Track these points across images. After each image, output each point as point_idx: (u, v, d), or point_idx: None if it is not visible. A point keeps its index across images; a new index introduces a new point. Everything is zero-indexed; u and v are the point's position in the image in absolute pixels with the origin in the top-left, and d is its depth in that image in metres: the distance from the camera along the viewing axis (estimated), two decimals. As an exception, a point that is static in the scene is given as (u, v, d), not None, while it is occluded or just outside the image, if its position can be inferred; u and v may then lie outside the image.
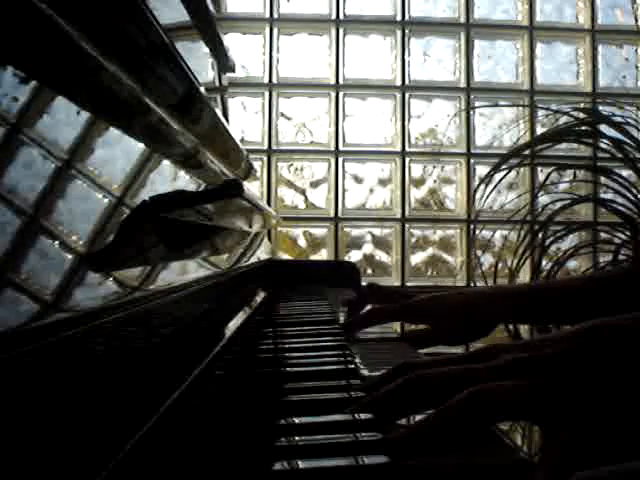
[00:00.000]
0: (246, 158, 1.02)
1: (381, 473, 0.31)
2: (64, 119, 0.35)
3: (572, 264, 2.05)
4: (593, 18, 2.12)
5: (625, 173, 1.95)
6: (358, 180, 2.13)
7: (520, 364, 0.36)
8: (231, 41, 2.02)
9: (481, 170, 2.09)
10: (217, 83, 0.99)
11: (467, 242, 2.08)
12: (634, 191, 1.88)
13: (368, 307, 0.82)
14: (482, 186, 1.97)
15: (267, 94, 2.10)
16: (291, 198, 2.14)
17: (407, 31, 2.12)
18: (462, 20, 2.12)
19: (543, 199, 2.04)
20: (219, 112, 0.78)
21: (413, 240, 2.13)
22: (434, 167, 2.15)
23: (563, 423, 0.33)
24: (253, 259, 0.99)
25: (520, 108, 2.13)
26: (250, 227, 0.95)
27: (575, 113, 2.01)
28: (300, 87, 2.13)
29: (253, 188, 1.93)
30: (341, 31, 2.11)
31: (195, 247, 0.62)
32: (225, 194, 0.63)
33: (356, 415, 0.36)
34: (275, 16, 2.09)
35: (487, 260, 2.07)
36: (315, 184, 2.14)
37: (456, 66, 2.14)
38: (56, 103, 0.34)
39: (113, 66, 0.40)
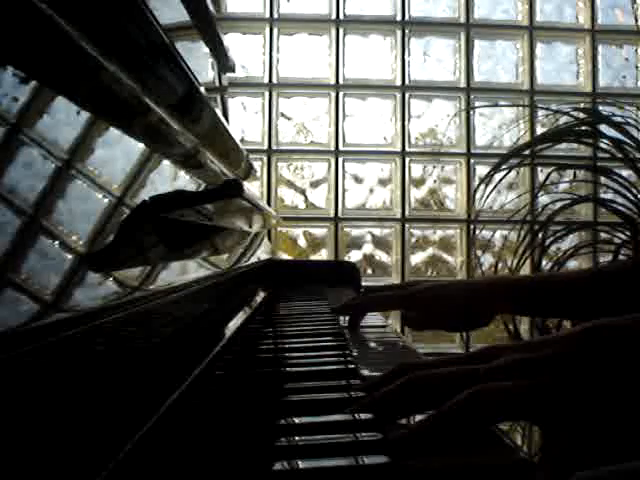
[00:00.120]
0: (246, 158, 1.02)
1: (381, 473, 0.31)
2: (64, 119, 0.35)
3: (572, 264, 2.05)
4: (593, 18, 2.12)
5: (625, 173, 1.95)
6: (358, 180, 2.13)
7: (520, 364, 0.36)
8: (231, 41, 2.02)
9: (481, 170, 2.09)
10: (217, 83, 0.99)
11: (467, 242, 2.08)
12: (634, 191, 1.88)
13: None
14: (482, 186, 1.97)
15: (267, 94, 2.10)
16: (291, 198, 2.14)
17: (407, 31, 2.12)
18: (462, 20, 2.12)
19: (543, 199, 2.04)
20: (219, 112, 0.78)
21: (413, 240, 2.13)
22: (434, 167, 2.15)
23: (563, 423, 0.33)
24: (253, 259, 0.99)
25: (520, 108, 2.13)
26: (250, 227, 0.95)
27: (575, 113, 2.01)
28: (300, 87, 2.13)
29: (253, 188, 1.93)
30: (341, 31, 2.11)
31: (195, 247, 0.62)
32: (225, 194, 0.63)
33: (356, 415, 0.36)
34: (275, 16, 2.09)
35: (487, 260, 2.07)
36: (315, 184, 2.14)
37: (456, 66, 2.14)
38: (56, 103, 0.34)
39: (113, 66, 0.40)
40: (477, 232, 2.04)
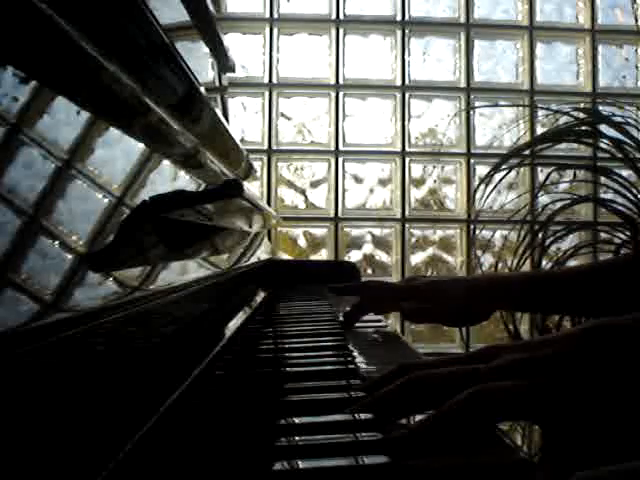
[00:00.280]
0: (246, 158, 1.02)
1: (381, 473, 0.31)
2: (64, 119, 0.35)
3: (572, 264, 2.05)
4: (593, 18, 2.12)
5: (625, 173, 1.95)
6: (358, 180, 2.13)
7: (520, 364, 0.36)
8: (231, 41, 2.02)
9: (481, 170, 2.09)
10: (217, 83, 0.99)
11: (467, 242, 2.08)
12: (634, 191, 1.88)
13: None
14: (482, 186, 1.97)
15: (267, 94, 2.10)
16: (291, 198, 2.14)
17: (407, 31, 2.12)
18: (462, 20, 2.12)
19: (543, 199, 2.04)
20: (219, 112, 0.78)
21: (413, 240, 2.13)
22: (434, 167, 2.15)
23: (563, 423, 0.33)
24: (253, 259, 0.99)
25: (520, 108, 2.13)
26: (250, 227, 0.95)
27: (575, 113, 2.01)
28: (300, 87, 2.13)
29: (253, 188, 1.93)
30: (341, 31, 2.11)
31: (195, 247, 0.62)
32: (225, 194, 0.63)
33: (356, 415, 0.36)
34: (275, 16, 2.09)
35: (487, 260, 2.07)
36: (315, 184, 2.14)
37: (456, 66, 2.14)
38: (56, 103, 0.34)
39: (113, 66, 0.40)
40: (477, 232, 2.04)
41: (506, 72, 2.16)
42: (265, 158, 2.09)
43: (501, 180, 1.96)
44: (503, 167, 1.95)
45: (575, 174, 2.12)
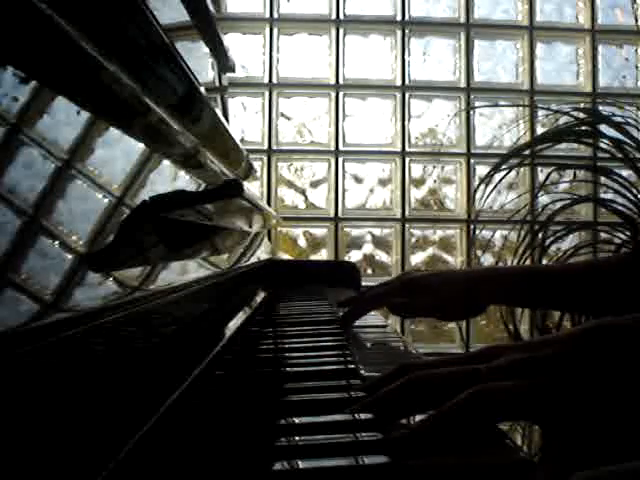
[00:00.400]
0: (246, 158, 1.02)
1: (381, 473, 0.31)
2: (64, 119, 0.35)
3: (572, 264, 2.04)
4: (593, 18, 2.12)
5: (625, 173, 1.95)
6: (358, 180, 2.13)
7: (520, 364, 0.36)
8: (231, 41, 2.02)
9: (481, 170, 2.09)
10: (217, 83, 0.99)
11: (467, 242, 2.08)
12: (634, 191, 1.88)
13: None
14: (482, 186, 1.96)
15: (267, 94, 2.10)
16: (291, 198, 2.14)
17: (407, 31, 2.12)
18: (462, 20, 2.12)
19: (543, 199, 2.04)
20: (219, 112, 0.78)
21: (413, 240, 2.13)
22: (434, 167, 2.15)
23: (563, 423, 0.33)
24: (253, 259, 0.99)
25: (520, 108, 2.13)
26: (250, 227, 0.95)
27: (575, 113, 2.01)
28: (300, 87, 2.13)
29: (253, 188, 1.93)
30: (341, 31, 2.11)
31: (195, 247, 0.62)
32: (225, 194, 0.63)
33: (356, 415, 0.36)
34: (275, 16, 2.09)
35: (487, 260, 2.07)
36: (315, 184, 2.14)
37: (456, 66, 2.14)
38: (56, 103, 0.34)
39: (113, 66, 0.40)
40: (477, 232, 2.04)
41: (506, 72, 2.16)
42: (265, 158, 2.09)
43: (501, 180, 1.96)
44: (503, 167, 1.94)
45: (575, 174, 2.12)
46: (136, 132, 0.47)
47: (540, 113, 2.12)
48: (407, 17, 2.12)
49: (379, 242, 2.13)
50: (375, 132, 2.13)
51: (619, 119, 1.92)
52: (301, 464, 0.31)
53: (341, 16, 2.11)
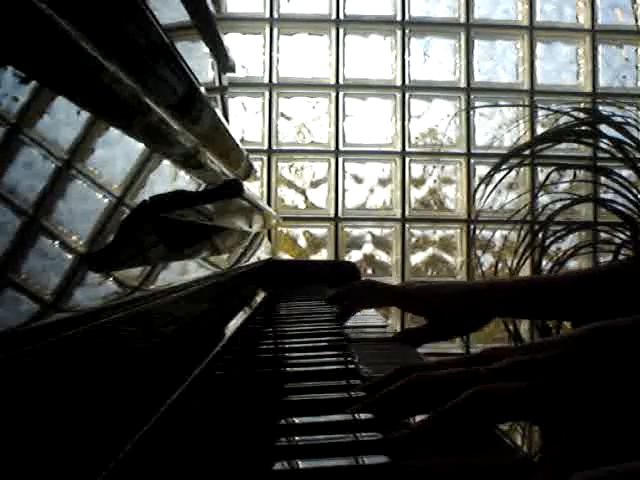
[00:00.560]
0: (246, 158, 1.02)
1: (381, 473, 0.31)
2: (64, 119, 0.35)
3: (572, 264, 2.05)
4: (593, 18, 2.12)
5: (625, 173, 1.95)
6: (358, 180, 2.13)
7: (521, 366, 0.37)
8: (231, 41, 2.02)
9: (481, 170, 2.09)
10: (217, 83, 0.99)
11: (467, 242, 2.08)
12: (634, 191, 1.88)
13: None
14: (482, 186, 1.96)
15: (267, 94, 2.10)
16: (291, 198, 2.14)
17: (407, 31, 2.12)
18: (462, 20, 2.12)
19: (543, 199, 2.04)
20: (219, 112, 0.78)
21: (413, 240, 2.13)
22: (434, 167, 2.15)
23: (563, 423, 0.33)
24: (253, 259, 0.99)
25: (520, 108, 2.13)
26: (250, 227, 0.95)
27: (575, 113, 2.01)
28: (300, 87, 2.13)
29: (253, 188, 1.93)
30: (341, 31, 2.11)
31: (195, 247, 0.62)
32: (225, 194, 0.63)
33: (356, 415, 0.36)
34: (275, 16, 2.09)
35: (487, 260, 2.07)
36: (315, 184, 2.14)
37: (456, 66, 2.14)
38: (56, 103, 0.34)
39: (113, 66, 0.40)
40: (477, 232, 2.04)
41: (506, 72, 2.16)
42: (265, 158, 2.09)
43: (501, 180, 1.96)
44: (503, 167, 1.94)
45: (575, 174, 2.12)
46: (136, 132, 0.47)
47: (540, 113, 2.12)
48: (407, 17, 2.12)
49: (379, 242, 2.13)
50: (375, 132, 2.13)
51: (619, 119, 1.92)
52: (301, 464, 0.31)
53: (341, 16, 2.11)
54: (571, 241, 2.03)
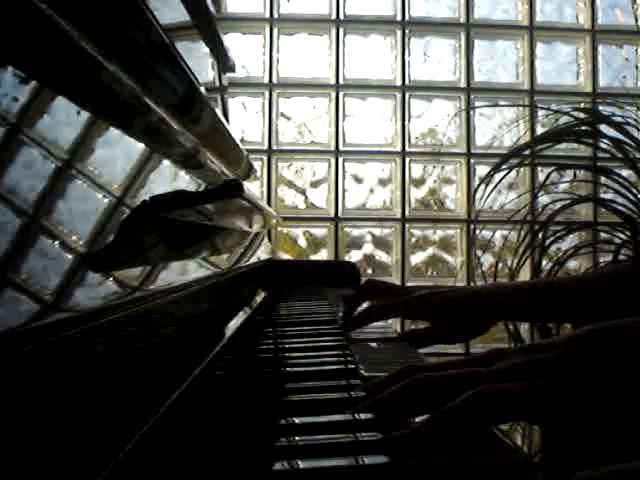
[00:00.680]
0: (246, 158, 1.02)
1: (381, 473, 0.31)
2: (64, 119, 0.35)
3: (572, 264, 2.05)
4: (593, 18, 2.12)
5: (625, 173, 1.95)
6: (358, 180, 2.13)
7: (522, 367, 0.37)
8: (231, 41, 2.02)
9: (481, 170, 2.09)
10: (217, 83, 0.99)
11: (467, 242, 2.08)
12: (634, 191, 1.88)
13: (366, 304, 0.82)
14: (482, 186, 1.96)
15: (267, 94, 2.10)
16: (291, 198, 2.14)
17: (407, 31, 2.12)
18: (462, 20, 2.12)
19: (543, 199, 2.04)
20: (219, 112, 0.78)
21: (413, 240, 2.13)
22: (434, 167, 2.15)
23: (563, 424, 0.33)
24: (253, 259, 0.99)
25: (520, 108, 2.13)
26: (250, 227, 0.95)
27: (575, 113, 2.01)
28: (300, 87, 2.13)
29: (253, 188, 1.93)
30: (341, 31, 2.11)
31: (195, 247, 0.62)
32: (225, 194, 0.63)
33: (356, 415, 0.36)
34: (275, 16, 2.09)
35: (487, 260, 2.07)
36: (315, 184, 2.14)
37: (456, 66, 2.14)
38: (56, 103, 0.34)
39: (113, 66, 0.40)
40: (477, 232, 2.04)
41: (506, 72, 2.16)
42: (265, 158, 2.09)
43: (501, 180, 1.96)
44: (503, 167, 1.95)
45: (575, 174, 2.12)
46: (136, 132, 0.47)
47: (540, 113, 2.12)
48: (407, 17, 2.12)
49: (379, 242, 2.13)
50: (375, 132, 2.13)
51: (619, 119, 1.92)
52: (301, 464, 0.31)
53: (341, 16, 2.11)
54: (571, 241, 2.03)
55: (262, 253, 1.12)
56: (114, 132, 0.43)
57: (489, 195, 1.95)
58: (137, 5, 0.42)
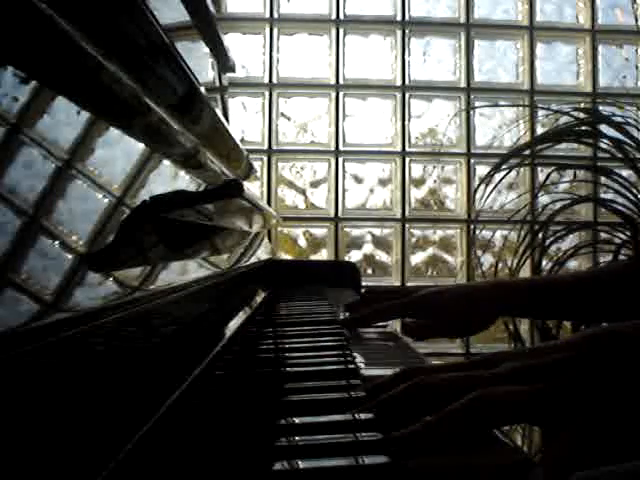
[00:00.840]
0: (246, 158, 1.02)
1: (381, 473, 0.31)
2: (64, 119, 0.35)
3: (572, 264, 2.05)
4: (593, 18, 2.12)
5: (625, 173, 1.95)
6: (358, 180, 2.13)
7: (523, 371, 0.37)
8: (231, 41, 2.02)
9: (481, 170, 2.09)
10: (217, 83, 0.99)
11: (467, 242, 2.08)
12: (634, 191, 1.88)
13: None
14: (482, 186, 1.97)
15: (267, 94, 2.10)
16: (291, 198, 2.14)
17: (407, 31, 2.12)
18: (462, 20, 2.12)
19: (543, 199, 2.04)
20: (219, 112, 0.78)
21: (413, 240, 2.13)
22: (434, 167, 2.15)
23: (563, 425, 0.33)
24: (253, 259, 0.99)
25: (520, 108, 2.13)
26: (250, 227, 0.95)
27: (575, 113, 2.01)
28: (300, 87, 2.13)
29: (253, 188, 1.93)
30: (341, 31, 2.11)
31: (195, 247, 0.62)
32: (225, 194, 0.63)
33: (356, 415, 0.36)
34: (275, 16, 2.09)
35: (487, 260, 2.07)
36: (315, 184, 2.14)
37: (456, 66, 2.14)
38: (56, 103, 0.34)
39: (113, 66, 0.40)
40: (477, 232, 2.04)
41: (506, 72, 2.16)
42: (265, 158, 2.09)
43: (501, 180, 1.96)
44: (503, 167, 1.95)
45: (575, 174, 2.12)
46: (136, 132, 0.47)
47: (540, 113, 2.12)
48: (407, 17, 2.12)
49: (379, 242, 2.13)
50: (375, 132, 2.13)
51: (619, 119, 1.92)
52: (301, 464, 0.31)
53: (341, 16, 2.11)
54: (571, 241, 2.03)
55: (262, 253, 1.12)
56: (114, 132, 0.43)
57: (489, 195, 1.95)
58: (137, 5, 0.42)
